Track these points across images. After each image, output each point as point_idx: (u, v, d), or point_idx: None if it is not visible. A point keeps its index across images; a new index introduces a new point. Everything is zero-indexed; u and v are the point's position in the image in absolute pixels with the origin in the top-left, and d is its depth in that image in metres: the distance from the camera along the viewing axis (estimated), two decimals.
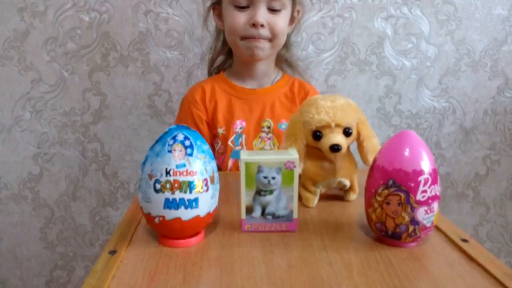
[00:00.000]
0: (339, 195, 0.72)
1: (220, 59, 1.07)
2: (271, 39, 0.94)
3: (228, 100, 0.99)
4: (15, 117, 1.25)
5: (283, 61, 1.07)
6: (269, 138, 0.98)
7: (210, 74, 1.10)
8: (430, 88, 1.29)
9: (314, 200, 0.68)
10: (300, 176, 0.67)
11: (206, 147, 0.57)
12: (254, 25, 0.90)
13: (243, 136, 0.98)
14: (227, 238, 0.58)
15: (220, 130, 0.98)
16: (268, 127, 0.98)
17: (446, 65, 1.28)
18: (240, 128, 0.97)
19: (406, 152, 0.53)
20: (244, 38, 0.93)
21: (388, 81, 1.28)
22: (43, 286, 1.37)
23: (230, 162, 0.98)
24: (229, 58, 1.06)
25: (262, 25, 0.90)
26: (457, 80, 1.29)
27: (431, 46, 1.26)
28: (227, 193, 0.72)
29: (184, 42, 1.22)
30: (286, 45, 1.05)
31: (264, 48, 0.94)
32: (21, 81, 1.22)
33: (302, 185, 0.69)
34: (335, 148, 0.63)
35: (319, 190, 0.69)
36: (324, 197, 0.70)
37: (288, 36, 1.04)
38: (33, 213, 1.31)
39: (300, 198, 0.68)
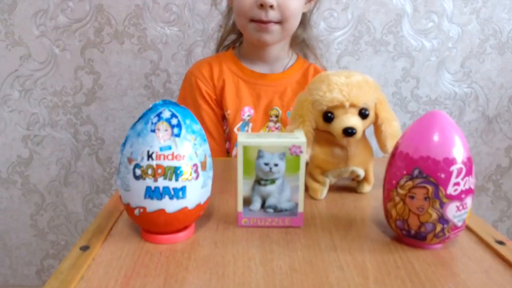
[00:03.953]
0: (351, 186, 0.66)
1: (230, 37, 1.00)
2: (282, 21, 0.85)
3: (236, 83, 0.93)
4: (3, 96, 1.20)
5: (299, 42, 0.98)
6: (277, 128, 0.92)
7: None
8: (451, 72, 1.23)
9: (322, 192, 0.62)
10: (307, 163, 0.61)
11: (198, 127, 0.49)
12: (262, 5, 0.82)
13: (250, 125, 0.92)
14: (220, 234, 0.51)
15: (226, 114, 0.92)
16: (276, 116, 0.92)
17: (469, 47, 1.21)
18: (248, 115, 0.91)
19: (436, 137, 0.45)
20: (252, 20, 0.85)
21: (405, 63, 1.21)
22: (34, 276, 1.33)
23: (235, 151, 0.91)
24: (240, 37, 0.99)
25: (271, 6, 0.82)
26: (481, 63, 1.22)
27: (453, 25, 1.19)
28: (227, 181, 0.67)
29: (184, 17, 1.16)
30: (304, 24, 0.96)
31: (273, 32, 0.86)
32: (8, 57, 1.17)
33: (309, 174, 0.62)
34: (349, 132, 0.56)
35: (329, 180, 0.62)
36: (334, 188, 0.65)
37: (306, 15, 0.96)
38: (23, 199, 1.28)
39: (306, 189, 0.62)
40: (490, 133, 1.26)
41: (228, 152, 0.94)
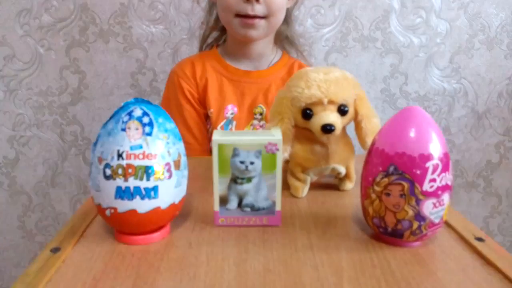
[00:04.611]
0: (333, 183, 0.65)
1: (213, 35, 0.99)
2: (267, 16, 0.84)
3: (219, 81, 0.92)
4: None
5: (283, 38, 0.98)
6: (261, 126, 0.91)
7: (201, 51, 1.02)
8: (440, 68, 1.21)
9: (303, 190, 0.61)
10: (287, 161, 0.61)
11: (171, 125, 0.48)
12: None
13: (234, 123, 0.91)
14: (196, 234, 0.50)
15: (209, 112, 0.90)
16: (261, 114, 0.91)
17: (458, 42, 1.20)
18: (232, 113, 0.90)
19: (412, 133, 0.45)
20: (237, 15, 0.84)
21: (394, 59, 1.20)
22: None
23: None
24: (223, 34, 0.98)
25: (257, 0, 0.81)
26: (469, 59, 1.21)
27: (442, 21, 1.18)
28: (207, 180, 0.65)
29: (169, 15, 1.14)
30: (287, 21, 0.96)
31: (258, 28, 0.85)
32: None
33: (290, 172, 0.62)
34: (328, 128, 0.55)
35: (310, 178, 0.61)
36: (315, 186, 0.64)
37: (289, 11, 0.95)
38: (10, 200, 1.26)
39: (287, 187, 0.62)
40: (480, 129, 1.25)
41: (211, 152, 0.92)
